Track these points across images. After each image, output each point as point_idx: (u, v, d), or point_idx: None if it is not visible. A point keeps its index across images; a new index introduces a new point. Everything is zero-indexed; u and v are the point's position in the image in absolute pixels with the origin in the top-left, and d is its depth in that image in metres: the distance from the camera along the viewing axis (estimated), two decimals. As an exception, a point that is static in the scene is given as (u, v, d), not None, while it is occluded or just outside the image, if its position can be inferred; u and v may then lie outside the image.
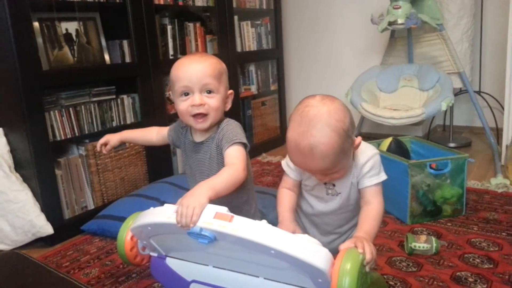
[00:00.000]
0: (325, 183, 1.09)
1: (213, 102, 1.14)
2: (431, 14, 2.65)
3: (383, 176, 1.08)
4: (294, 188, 1.15)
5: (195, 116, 1.15)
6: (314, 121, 0.95)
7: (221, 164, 1.16)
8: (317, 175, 1.03)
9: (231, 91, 1.21)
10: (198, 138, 1.22)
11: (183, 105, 1.15)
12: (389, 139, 2.11)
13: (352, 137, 1.01)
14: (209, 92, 1.14)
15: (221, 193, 1.00)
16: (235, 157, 1.10)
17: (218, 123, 1.20)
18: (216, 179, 1.03)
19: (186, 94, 1.14)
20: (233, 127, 1.18)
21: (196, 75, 1.12)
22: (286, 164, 1.15)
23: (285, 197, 1.15)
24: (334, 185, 1.09)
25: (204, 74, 1.13)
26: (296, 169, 1.12)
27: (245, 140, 1.15)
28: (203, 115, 1.15)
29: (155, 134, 1.39)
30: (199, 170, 1.22)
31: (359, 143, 1.05)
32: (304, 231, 1.17)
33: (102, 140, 1.39)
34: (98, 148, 1.39)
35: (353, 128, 1.01)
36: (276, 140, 3.31)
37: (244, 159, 1.12)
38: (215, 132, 1.19)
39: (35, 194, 1.82)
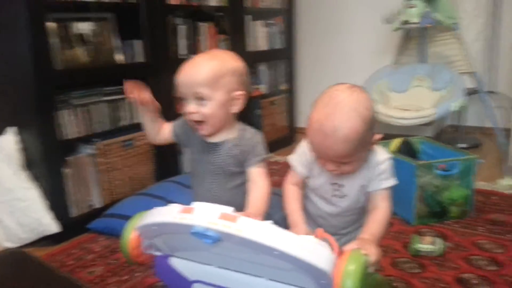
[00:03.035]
0: (332, 183, 1.09)
1: (206, 110, 1.12)
2: (446, 13, 2.62)
3: (393, 181, 1.08)
4: (301, 184, 1.15)
5: (194, 122, 1.15)
6: (342, 104, 0.96)
7: (233, 167, 1.18)
8: (329, 164, 1.02)
9: (239, 92, 1.15)
10: (212, 138, 1.18)
11: (184, 111, 1.16)
12: (397, 140, 2.10)
13: (374, 131, 1.02)
14: (202, 99, 1.12)
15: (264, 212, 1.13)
16: (259, 176, 1.17)
17: (232, 126, 1.18)
18: (257, 206, 1.13)
19: (185, 100, 1.14)
20: (258, 139, 1.18)
21: (187, 82, 1.12)
22: (295, 159, 1.14)
23: (294, 195, 1.14)
24: (342, 185, 1.09)
25: (194, 83, 1.10)
26: (305, 164, 1.11)
27: (266, 154, 1.20)
28: (200, 122, 1.14)
29: (161, 131, 1.30)
30: (210, 170, 1.20)
31: (378, 139, 1.05)
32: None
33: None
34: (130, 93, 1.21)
35: (375, 123, 1.02)
36: (284, 139, 3.30)
37: (266, 173, 1.18)
38: (236, 137, 1.18)
39: (44, 192, 1.84)
